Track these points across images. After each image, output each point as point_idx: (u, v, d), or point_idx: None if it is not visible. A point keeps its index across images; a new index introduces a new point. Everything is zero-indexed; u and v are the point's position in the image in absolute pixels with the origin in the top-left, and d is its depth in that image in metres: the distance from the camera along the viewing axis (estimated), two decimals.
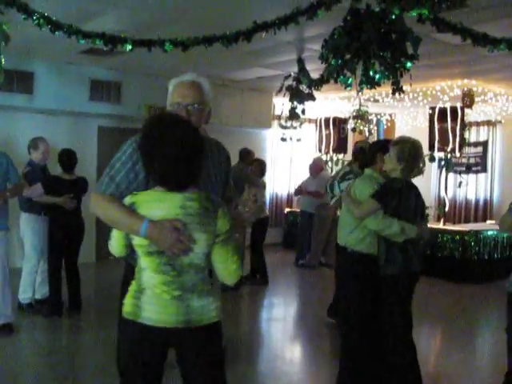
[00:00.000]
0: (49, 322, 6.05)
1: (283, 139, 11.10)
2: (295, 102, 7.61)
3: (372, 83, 4.30)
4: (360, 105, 10.10)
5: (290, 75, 7.43)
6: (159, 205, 2.33)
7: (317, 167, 9.90)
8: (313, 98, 7.40)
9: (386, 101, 10.20)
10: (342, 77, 4.26)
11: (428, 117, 9.47)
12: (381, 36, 4.08)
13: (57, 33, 5.04)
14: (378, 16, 4.07)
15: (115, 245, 2.47)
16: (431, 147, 9.19)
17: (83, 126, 9.20)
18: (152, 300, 2.33)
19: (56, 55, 8.10)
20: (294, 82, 7.43)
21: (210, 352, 2.42)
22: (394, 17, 4.03)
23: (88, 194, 6.50)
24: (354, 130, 10.33)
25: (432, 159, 9.19)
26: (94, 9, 5.74)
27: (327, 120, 11.18)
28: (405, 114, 12.31)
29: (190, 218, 2.30)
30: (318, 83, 5.69)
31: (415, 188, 3.97)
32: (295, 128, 10.78)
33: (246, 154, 8.22)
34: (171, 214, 2.30)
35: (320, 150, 11.28)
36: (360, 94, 9.63)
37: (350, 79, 4.31)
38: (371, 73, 4.33)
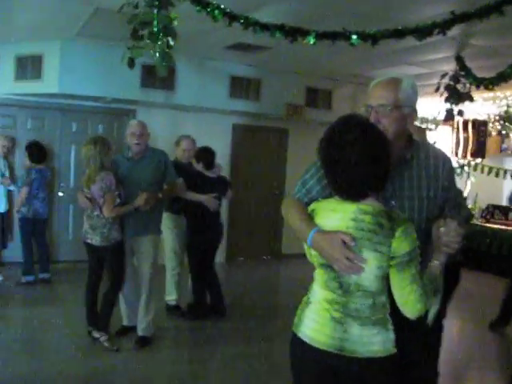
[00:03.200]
0: (191, 327, 5.86)
1: None
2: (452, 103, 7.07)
3: None
4: (507, 106, 9.42)
5: (446, 74, 6.91)
6: (331, 214, 2.14)
7: None
8: (471, 99, 6.86)
9: None
10: None
11: None
12: None
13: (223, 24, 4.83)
14: None
15: (307, 251, 2.29)
16: None
17: (219, 122, 9.15)
18: (312, 315, 2.20)
19: (198, 51, 8.03)
20: (452, 82, 6.92)
21: None
22: None
23: (227, 196, 6.30)
24: (500, 132, 9.68)
25: None
26: (256, 1, 5.54)
27: (465, 122, 10.50)
28: None
29: (361, 234, 2.05)
30: (495, 81, 5.22)
31: None
32: (430, 130, 10.28)
33: None
34: (342, 225, 2.09)
35: (456, 154, 10.63)
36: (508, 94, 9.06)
37: None
38: None
